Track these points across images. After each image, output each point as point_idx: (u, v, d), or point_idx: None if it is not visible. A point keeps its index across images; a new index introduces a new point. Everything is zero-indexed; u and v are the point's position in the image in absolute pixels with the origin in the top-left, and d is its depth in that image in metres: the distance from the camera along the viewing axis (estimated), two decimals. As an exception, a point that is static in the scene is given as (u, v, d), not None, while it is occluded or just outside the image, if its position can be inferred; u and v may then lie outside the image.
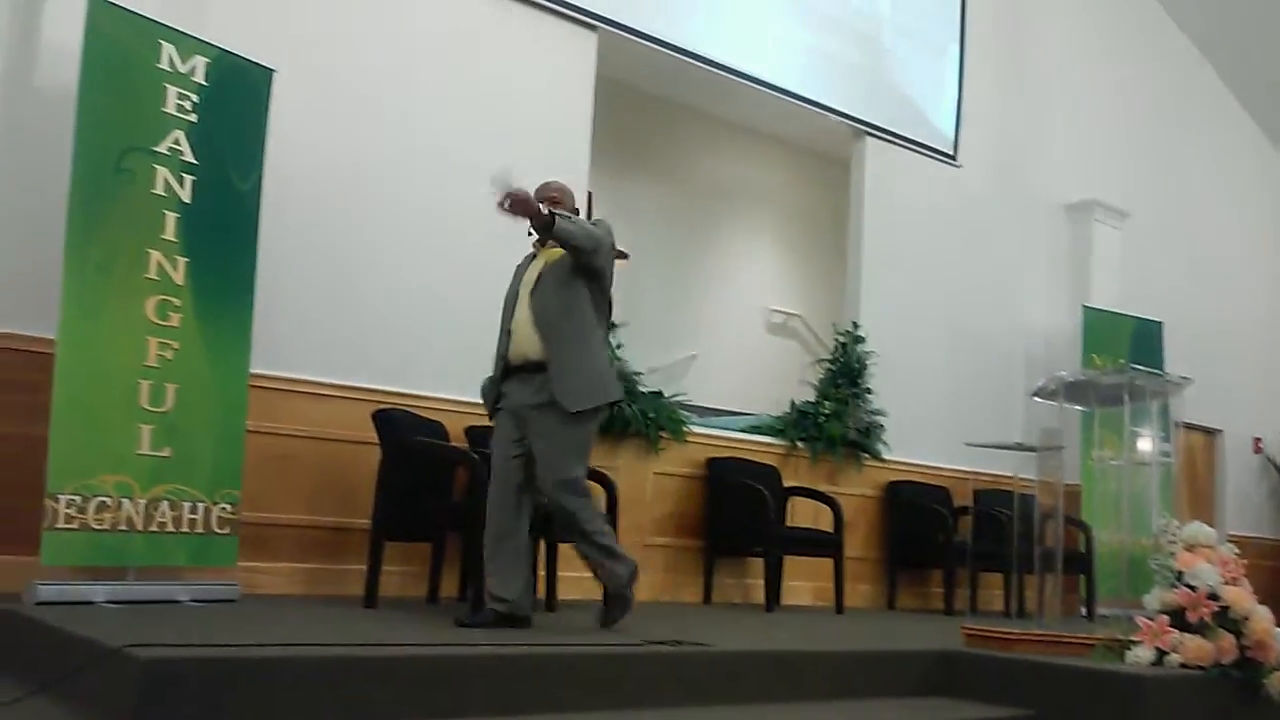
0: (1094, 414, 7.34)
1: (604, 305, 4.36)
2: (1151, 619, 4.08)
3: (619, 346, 6.27)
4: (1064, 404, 6.19)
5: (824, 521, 6.61)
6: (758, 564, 6.48)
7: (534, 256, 4.43)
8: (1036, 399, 6.43)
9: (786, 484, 6.78)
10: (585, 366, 4.20)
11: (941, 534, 7.13)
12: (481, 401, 4.45)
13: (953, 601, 7.03)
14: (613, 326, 6.16)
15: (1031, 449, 6.48)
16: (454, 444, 5.33)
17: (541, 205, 4.13)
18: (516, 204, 4.04)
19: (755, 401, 8.12)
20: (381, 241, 5.51)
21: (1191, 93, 10.30)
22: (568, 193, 4.51)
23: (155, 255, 4.30)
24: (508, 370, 4.31)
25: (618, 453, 6.21)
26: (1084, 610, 7.27)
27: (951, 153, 8.25)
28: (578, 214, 4.51)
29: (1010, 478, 6.82)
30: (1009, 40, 8.78)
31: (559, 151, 6.19)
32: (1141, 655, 4.00)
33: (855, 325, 7.46)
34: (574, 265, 4.21)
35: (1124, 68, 9.60)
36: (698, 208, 9.43)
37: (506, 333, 4.34)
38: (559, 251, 4.25)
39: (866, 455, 7.30)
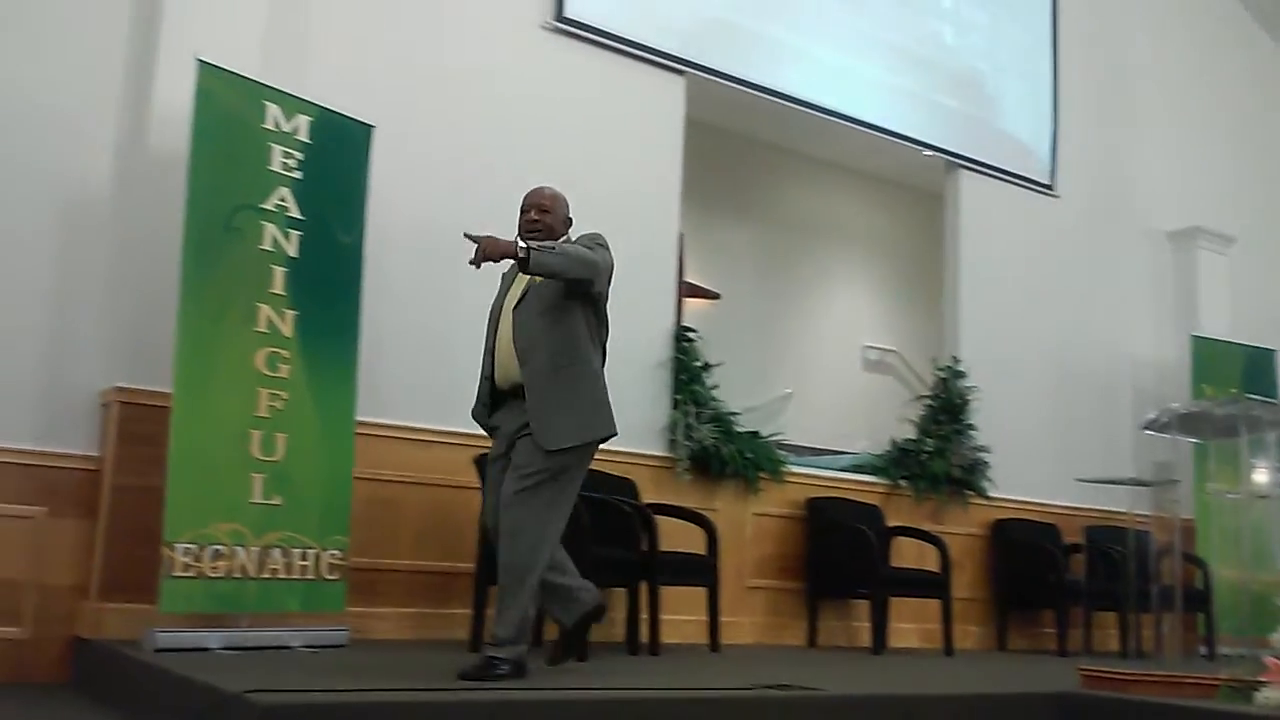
0: (1207, 446, 7.14)
1: (601, 329, 3.96)
2: (1279, 658, 3.92)
3: (714, 388, 6.26)
4: (1177, 436, 6.02)
5: (929, 561, 6.48)
6: (862, 606, 6.37)
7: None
8: (1148, 432, 6.27)
9: (890, 523, 6.66)
10: (569, 399, 3.77)
11: (1052, 572, 6.94)
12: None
13: (1066, 642, 6.82)
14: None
15: (1145, 483, 6.31)
16: (554, 488, 5.34)
17: (517, 240, 3.74)
18: (490, 254, 3.65)
19: (852, 439, 8.03)
20: (476, 289, 5.57)
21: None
22: (560, 200, 4.07)
23: (264, 309, 4.42)
24: (494, 394, 3.93)
25: (716, 494, 6.18)
26: (1204, 649, 7.00)
27: (1049, 183, 8.11)
28: (570, 224, 4.08)
29: (1122, 513, 6.65)
30: (1104, 66, 8.63)
31: (650, 196, 6.25)
32: (1271, 696, 3.84)
33: (955, 360, 7.35)
34: (568, 290, 3.80)
35: (1223, 89, 9.35)
36: (790, 246, 9.41)
37: (490, 352, 3.94)
38: None
39: (971, 493, 7.15)
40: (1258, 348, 8.36)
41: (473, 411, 4.04)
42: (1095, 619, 6.97)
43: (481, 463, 5.00)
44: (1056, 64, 8.31)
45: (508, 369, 3.85)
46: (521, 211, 4.03)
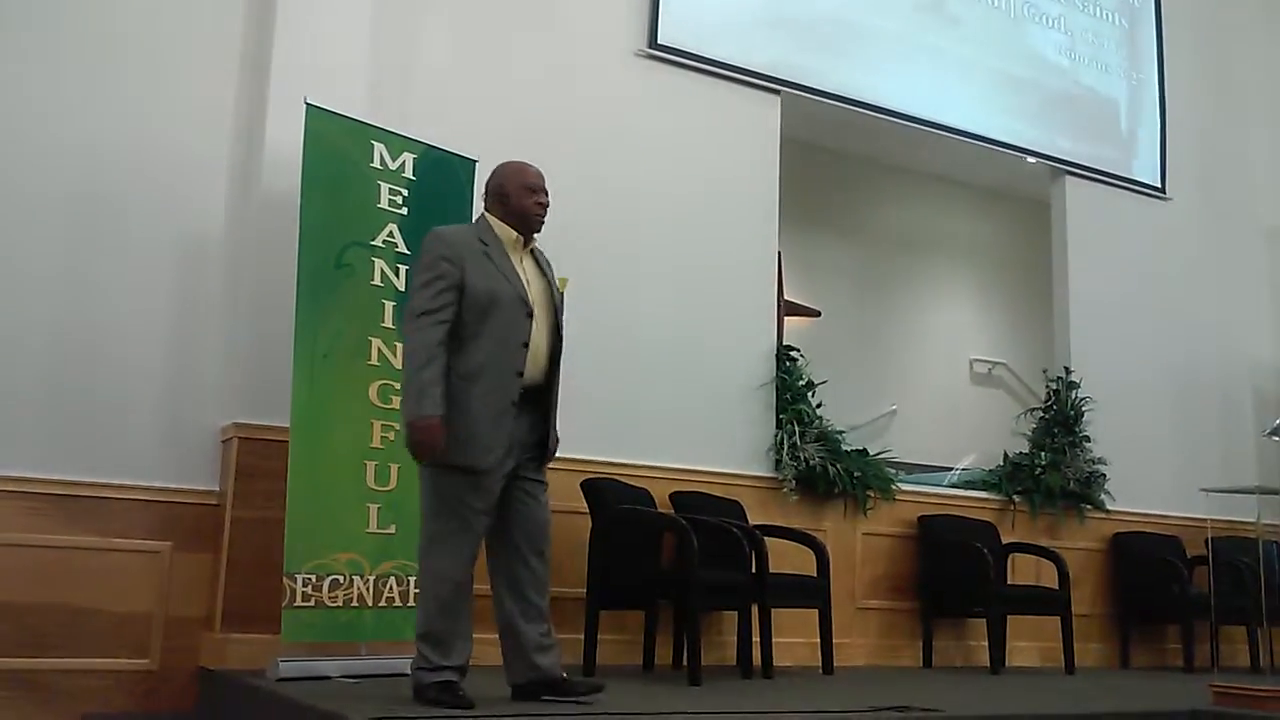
0: (1338, 452, 6.85)
1: None
2: None
3: (819, 406, 6.21)
4: (1305, 442, 5.80)
5: (1047, 578, 6.32)
6: (978, 624, 6.24)
7: (502, 243, 3.66)
8: (1273, 438, 6.04)
9: (1005, 540, 6.52)
10: None
11: (1176, 586, 6.71)
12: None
13: (1193, 658, 6.58)
14: None
15: (1275, 491, 6.08)
16: (661, 510, 5.36)
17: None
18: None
19: (962, 455, 7.89)
20: (584, 317, 5.60)
21: None
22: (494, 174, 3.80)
23: (376, 342, 4.52)
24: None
25: (824, 514, 6.12)
26: (1343, 665, 6.69)
27: (1158, 185, 7.89)
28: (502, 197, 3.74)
29: (1247, 523, 6.41)
30: (1210, 64, 8.38)
31: (748, 215, 6.25)
32: None
33: (1067, 370, 7.17)
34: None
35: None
36: (890, 260, 9.32)
37: (508, 343, 3.53)
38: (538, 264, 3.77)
39: (1089, 506, 6.96)
40: (1388, 346, 8.01)
41: (432, 403, 3.38)
42: (1223, 633, 6.71)
43: (592, 487, 5.05)
44: (1162, 64, 8.10)
45: (539, 368, 3.61)
46: (530, 190, 3.74)
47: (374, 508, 4.41)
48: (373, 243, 4.58)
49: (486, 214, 3.73)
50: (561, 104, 5.75)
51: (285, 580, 4.15)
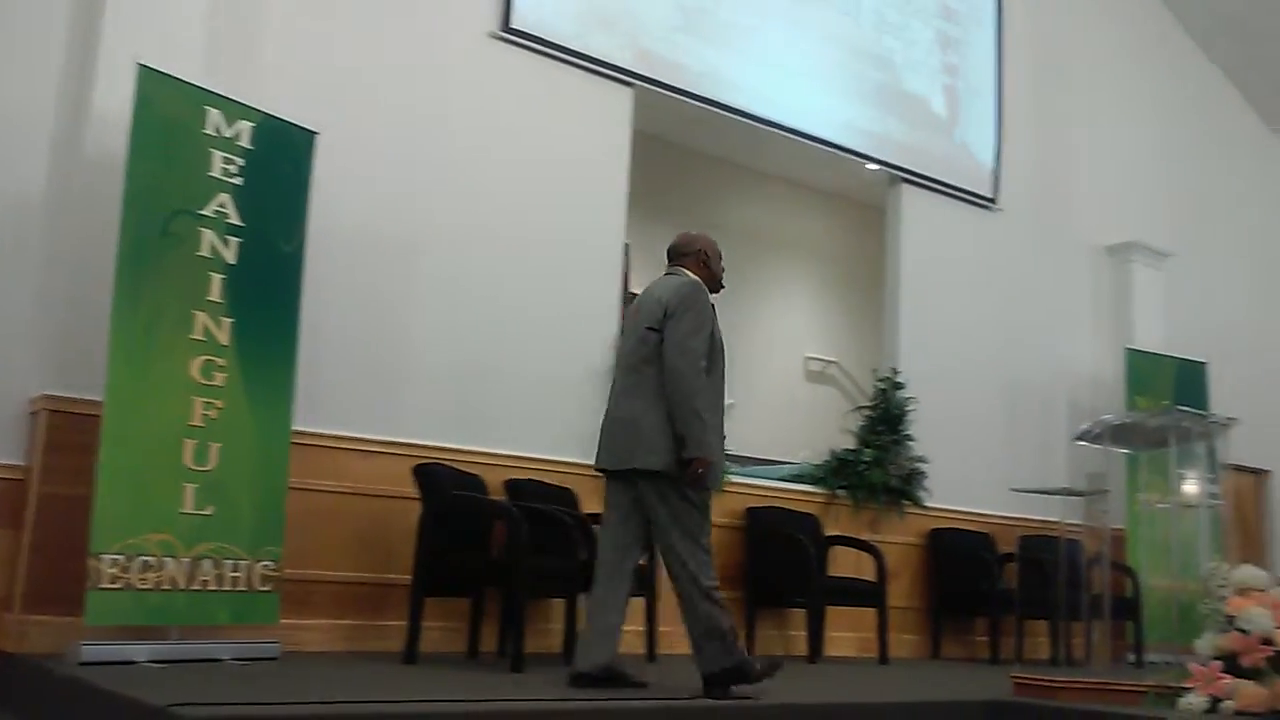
0: (1139, 457, 7.28)
1: None
2: (1204, 665, 4.02)
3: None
4: (1109, 447, 6.14)
5: (866, 571, 6.55)
6: (799, 615, 6.42)
7: None
8: (1081, 443, 6.39)
9: (828, 533, 6.72)
10: None
11: (986, 581, 7.04)
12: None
13: (999, 650, 6.92)
14: None
15: (1078, 493, 6.43)
16: (493, 498, 5.35)
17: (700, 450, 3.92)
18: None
19: (794, 449, 8.08)
20: (420, 298, 5.59)
21: (1232, 133, 10.22)
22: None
23: (201, 316, 4.37)
24: None
25: (657, 504, 6.19)
26: (1132, 657, 7.13)
27: (991, 196, 8.23)
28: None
29: (1055, 523, 6.77)
30: (1047, 83, 8.77)
31: (596, 205, 6.28)
32: (1194, 702, 3.94)
33: (895, 371, 7.43)
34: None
35: (1163, 109, 9.56)
36: (734, 257, 9.29)
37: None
38: None
39: (908, 503, 7.23)
40: (1189, 360, 8.54)
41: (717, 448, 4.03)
42: (1027, 627, 7.07)
43: (424, 472, 4.99)
44: (1000, 80, 8.44)
45: None
46: (721, 261, 4.43)
47: (191, 488, 4.26)
48: (202, 212, 4.43)
49: (690, 273, 4.24)
50: (409, 81, 5.66)
51: (91, 560, 3.98)
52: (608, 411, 4.18)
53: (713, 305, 4.13)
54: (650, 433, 3.92)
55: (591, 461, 5.91)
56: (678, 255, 4.33)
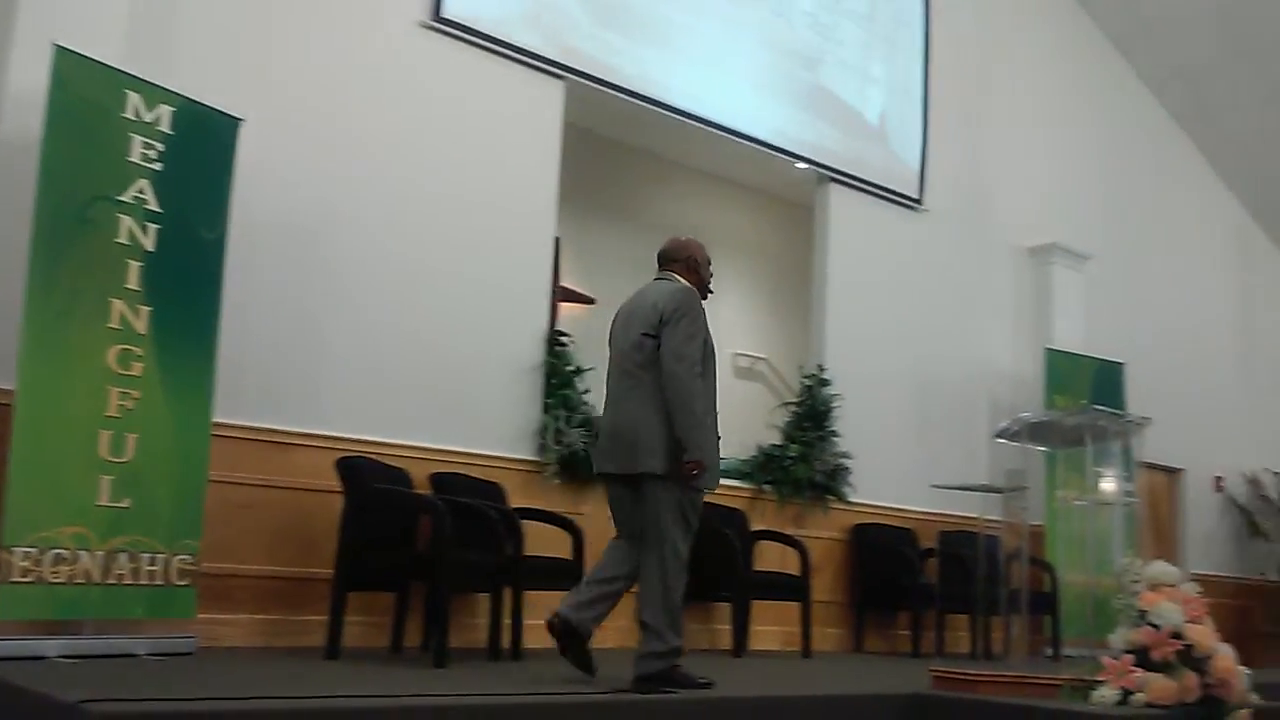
0: (1057, 455, 7.43)
1: None
2: (1116, 659, 4.11)
3: (586, 392, 6.28)
4: (1027, 445, 6.27)
5: (791, 565, 6.61)
6: (724, 609, 6.46)
7: None
8: (1000, 440, 6.50)
9: (753, 528, 6.77)
10: None
11: (908, 576, 7.14)
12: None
13: (920, 644, 7.03)
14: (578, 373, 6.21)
15: (996, 490, 6.55)
16: (418, 491, 5.30)
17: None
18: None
19: (721, 445, 8.10)
20: (346, 289, 5.52)
21: (1152, 139, 10.49)
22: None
23: (118, 304, 4.27)
24: None
25: (584, 499, 6.19)
26: (1050, 651, 7.29)
27: (917, 197, 8.35)
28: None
29: (975, 519, 6.89)
30: (973, 87, 8.93)
31: (526, 198, 6.25)
32: (1106, 695, 4.02)
33: (821, 369, 7.51)
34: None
35: (1082, 112, 9.78)
36: (665, 253, 9.45)
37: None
38: None
39: (833, 498, 7.31)
40: (1107, 360, 8.75)
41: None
42: (948, 621, 7.19)
43: (347, 466, 4.93)
44: (927, 83, 8.56)
45: None
46: (709, 266, 4.48)
47: (106, 479, 4.17)
48: (121, 198, 4.33)
49: (680, 279, 4.31)
50: (337, 69, 5.59)
51: (2, 553, 3.87)
52: (605, 416, 4.23)
53: (704, 310, 4.21)
54: (649, 437, 4.01)
55: (522, 455, 6.00)
56: (667, 260, 4.40)
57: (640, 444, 4.02)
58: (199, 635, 4.47)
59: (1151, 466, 9.43)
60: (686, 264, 4.37)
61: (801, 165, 7.81)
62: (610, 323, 4.40)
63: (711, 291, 4.45)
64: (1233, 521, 10.64)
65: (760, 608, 6.47)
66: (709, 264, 4.46)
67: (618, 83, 6.76)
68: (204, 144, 4.63)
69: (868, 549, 7.37)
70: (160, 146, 4.46)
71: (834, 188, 7.89)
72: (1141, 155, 10.31)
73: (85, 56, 4.27)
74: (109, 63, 4.38)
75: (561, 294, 7.41)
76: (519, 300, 6.16)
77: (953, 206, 8.58)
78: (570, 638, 4.06)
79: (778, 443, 7.24)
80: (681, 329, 4.05)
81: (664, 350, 4.04)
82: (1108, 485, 7.13)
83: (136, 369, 4.30)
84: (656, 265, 4.45)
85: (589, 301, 8.29)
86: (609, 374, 4.29)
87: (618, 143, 8.77)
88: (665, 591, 4.04)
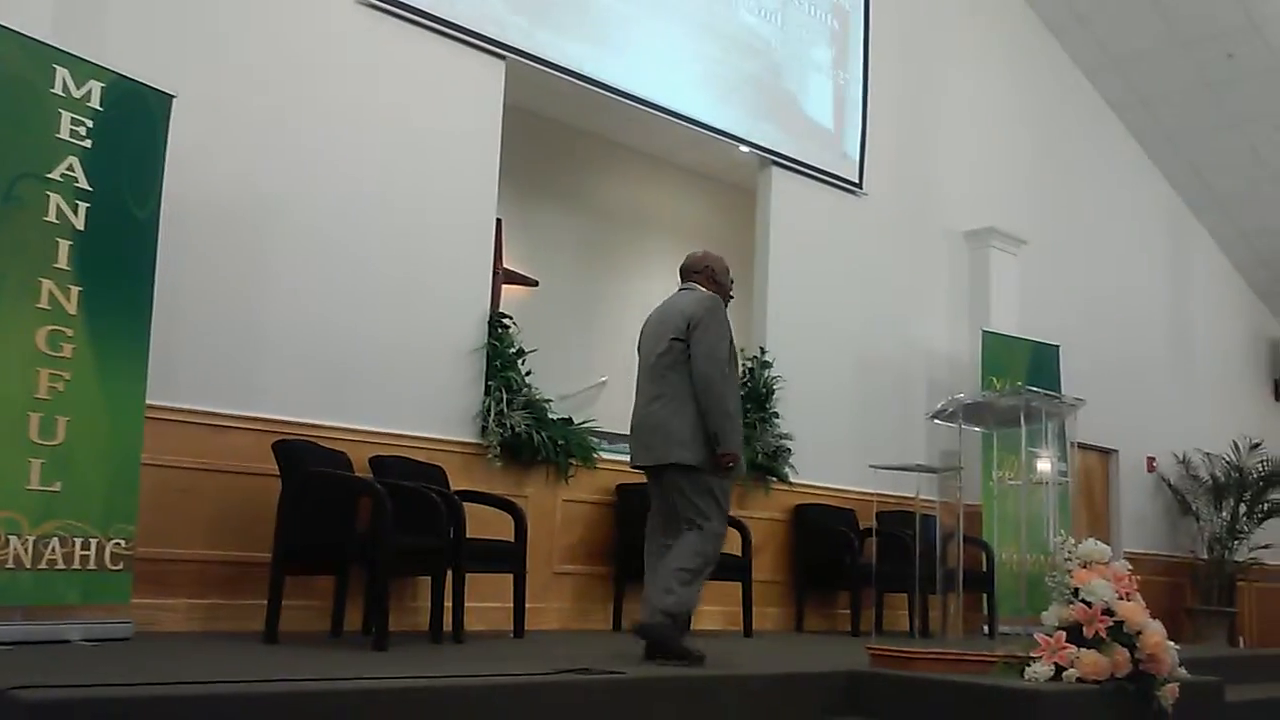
0: (993, 435, 7.54)
1: None
2: (1049, 635, 4.18)
3: (528, 374, 6.27)
4: (962, 425, 6.34)
5: (733, 546, 6.62)
6: (668, 589, 6.48)
7: None
8: (936, 421, 6.58)
9: (696, 509, 6.79)
10: None
11: (848, 556, 7.22)
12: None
13: (859, 622, 7.11)
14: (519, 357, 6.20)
15: (931, 470, 6.62)
16: (358, 474, 5.25)
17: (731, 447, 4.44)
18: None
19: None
20: (283, 269, 5.44)
21: (1086, 125, 10.66)
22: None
23: (47, 284, 4.18)
24: None
25: (527, 481, 6.19)
26: (986, 628, 7.41)
27: (856, 181, 8.40)
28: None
29: (913, 499, 6.97)
30: (912, 72, 9.01)
31: (467, 179, 6.19)
32: (1040, 671, 4.10)
33: (762, 350, 7.55)
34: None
35: (1023, 101, 9.92)
36: (607, 235, 9.47)
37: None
38: None
39: (774, 479, 7.37)
40: (1042, 343, 8.90)
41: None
42: (887, 600, 7.28)
43: (284, 448, 4.87)
44: (867, 67, 8.62)
45: None
46: (726, 273, 4.83)
47: (37, 463, 4.08)
48: (49, 176, 4.23)
49: (703, 288, 4.69)
50: (273, 45, 5.50)
51: (-72, 539, 3.78)
52: (638, 414, 4.62)
53: (728, 316, 4.61)
54: (680, 431, 4.38)
55: (464, 438, 5.97)
56: (689, 273, 4.80)
57: (672, 437, 4.39)
58: (135, 621, 4.40)
59: (1086, 447, 9.62)
60: (706, 275, 4.75)
61: (743, 149, 7.83)
62: (640, 328, 4.88)
63: (732, 297, 4.81)
64: (1164, 501, 10.89)
65: (705, 587, 6.48)
66: (728, 273, 4.83)
67: (558, 62, 6.72)
68: (135, 121, 4.53)
69: (808, 529, 7.44)
70: (90, 123, 4.36)
71: (775, 172, 7.92)
72: (1077, 141, 10.48)
73: (11, 30, 4.16)
74: (36, 37, 4.26)
75: (506, 276, 7.38)
76: (460, 282, 6.11)
77: (892, 191, 8.65)
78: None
79: (720, 424, 7.26)
80: (710, 333, 4.44)
81: (695, 353, 4.42)
82: (1042, 465, 7.22)
83: (67, 350, 4.21)
84: (679, 279, 4.84)
85: (533, 284, 8.26)
86: (639, 377, 4.69)
87: (561, 124, 8.73)
88: (703, 563, 4.41)
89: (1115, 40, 10.24)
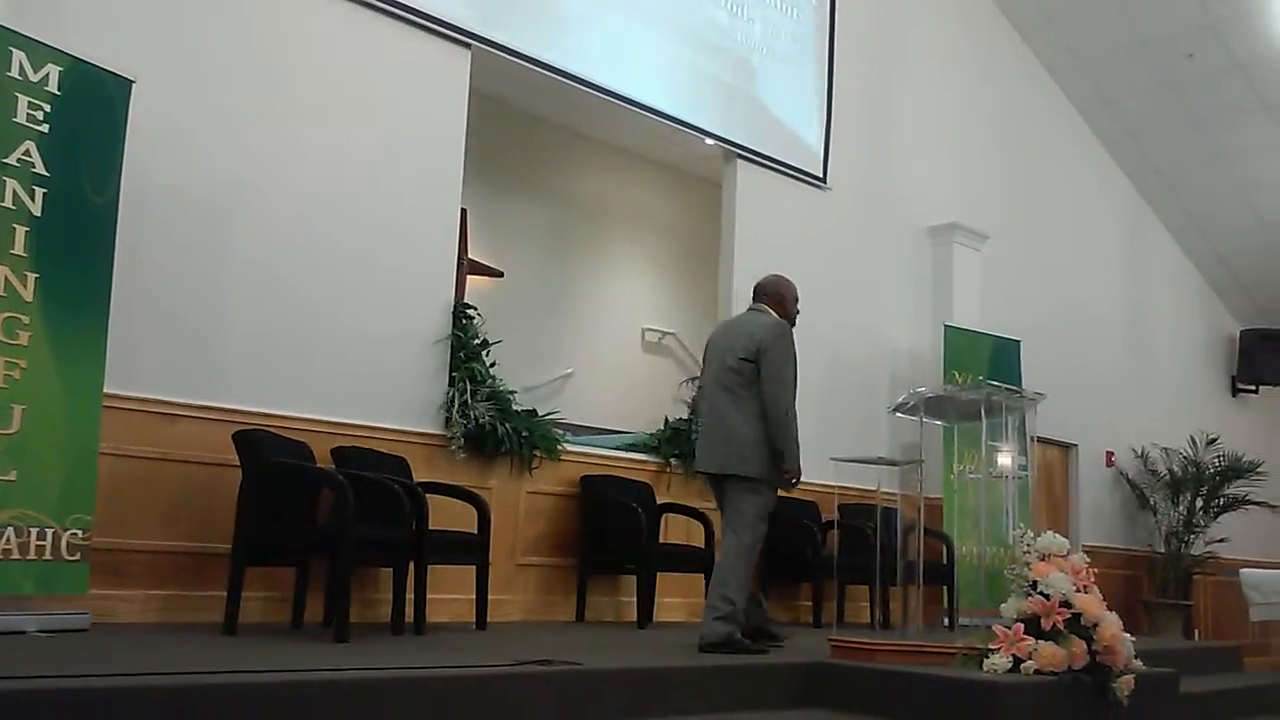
0: (954, 429, 7.60)
1: None
2: (1008, 627, 4.23)
3: (493, 365, 6.25)
4: (924, 419, 6.40)
5: (697, 538, 6.67)
6: (631, 581, 6.50)
7: None
8: (898, 414, 6.63)
9: (660, 501, 6.81)
10: None
11: (810, 548, 7.25)
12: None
13: (821, 614, 7.15)
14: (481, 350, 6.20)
15: (893, 463, 6.68)
16: (319, 465, 5.21)
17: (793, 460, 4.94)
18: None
19: (630, 419, 8.15)
20: (244, 258, 5.39)
21: (1050, 123, 10.74)
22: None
23: (3, 271, 4.11)
24: None
25: (491, 473, 6.17)
26: (946, 620, 7.47)
27: (821, 175, 8.43)
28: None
29: (874, 492, 7.02)
30: (877, 68, 9.03)
31: (432, 169, 6.15)
32: (998, 663, 4.15)
33: (727, 343, 7.54)
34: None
35: (987, 98, 9.98)
36: (573, 226, 9.45)
37: None
38: None
39: (734, 473, 7.36)
40: (1003, 337, 8.97)
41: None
42: (849, 592, 7.32)
43: (244, 439, 4.83)
44: (832, 62, 8.64)
45: None
46: (795, 300, 5.25)
47: (-9, 452, 4.03)
48: (5, 161, 4.17)
49: (771, 311, 5.11)
50: (236, 32, 5.44)
51: (-121, 529, 3.72)
52: (705, 424, 5.07)
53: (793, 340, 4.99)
54: (743, 445, 4.83)
55: (427, 429, 5.94)
56: (761, 294, 5.21)
57: (734, 450, 4.84)
58: (92, 612, 4.36)
59: (1046, 441, 9.70)
60: (774, 298, 5.17)
61: (709, 142, 7.83)
62: (705, 342, 5.31)
63: (795, 323, 5.17)
64: (1123, 495, 11.02)
65: (666, 580, 6.52)
66: (796, 301, 5.24)
67: (525, 52, 6.69)
68: (94, 105, 4.47)
69: (771, 521, 7.41)
70: (47, 107, 4.30)
71: (741, 164, 7.93)
72: (1040, 139, 10.57)
73: (-34, 12, 4.10)
74: (-8, 19, 4.21)
75: (471, 267, 7.35)
76: (424, 272, 6.08)
77: (856, 186, 8.68)
78: (759, 637, 4.99)
79: (685, 417, 7.28)
80: (778, 356, 4.85)
81: (764, 375, 4.84)
82: (1002, 459, 7.30)
83: (23, 338, 4.15)
84: (751, 297, 5.25)
85: (498, 275, 8.24)
86: (705, 385, 5.14)
87: (528, 116, 8.70)
88: (745, 570, 4.87)
89: (1079, 38, 10.33)
